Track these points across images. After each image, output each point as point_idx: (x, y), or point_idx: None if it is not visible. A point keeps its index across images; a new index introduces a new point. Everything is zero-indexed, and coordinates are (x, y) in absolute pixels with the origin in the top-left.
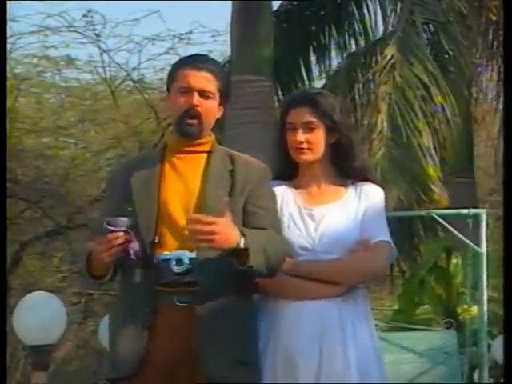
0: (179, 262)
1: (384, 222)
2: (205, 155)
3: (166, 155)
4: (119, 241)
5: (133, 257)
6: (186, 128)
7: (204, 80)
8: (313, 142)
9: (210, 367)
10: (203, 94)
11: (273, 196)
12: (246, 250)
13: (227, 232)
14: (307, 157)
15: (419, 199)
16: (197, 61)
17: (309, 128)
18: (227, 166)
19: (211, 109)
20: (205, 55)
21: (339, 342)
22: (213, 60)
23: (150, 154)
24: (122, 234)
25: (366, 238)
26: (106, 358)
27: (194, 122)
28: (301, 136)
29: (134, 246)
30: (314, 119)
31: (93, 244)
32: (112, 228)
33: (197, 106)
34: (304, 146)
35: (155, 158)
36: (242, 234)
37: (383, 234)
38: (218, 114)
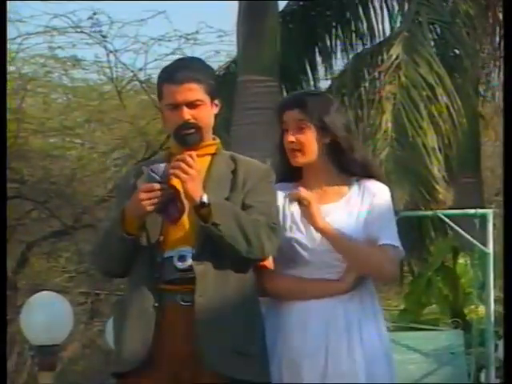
0: (182, 258)
1: (392, 222)
2: (209, 157)
3: (171, 160)
4: (165, 196)
5: (167, 219)
6: (186, 138)
7: (188, 92)
8: (303, 143)
9: (211, 363)
10: (192, 104)
11: (272, 192)
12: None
13: (198, 182)
14: (299, 160)
15: (424, 199)
16: (176, 73)
17: (298, 128)
18: (230, 166)
19: (205, 114)
20: (182, 61)
21: (345, 341)
22: (190, 61)
23: (156, 159)
24: (171, 190)
25: (373, 239)
26: (111, 354)
27: (192, 131)
28: (291, 136)
29: (173, 208)
30: (302, 118)
31: (135, 193)
32: (157, 178)
33: (189, 119)
34: (295, 146)
35: (161, 162)
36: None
37: (392, 238)
38: (216, 110)
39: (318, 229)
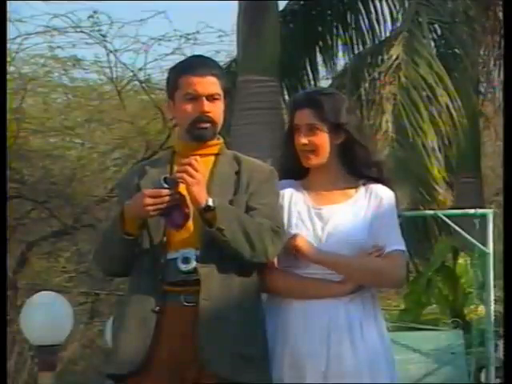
0: (186, 260)
1: (397, 227)
2: (212, 157)
3: (174, 159)
4: (171, 202)
5: (171, 225)
6: (200, 132)
7: (210, 84)
8: (316, 145)
9: (214, 365)
10: (211, 97)
11: (276, 194)
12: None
13: (204, 186)
14: (313, 162)
15: (423, 199)
16: (198, 66)
17: (311, 130)
18: (233, 167)
19: (220, 110)
20: (201, 57)
21: (347, 342)
22: (209, 59)
23: (159, 158)
24: (177, 196)
25: (380, 244)
26: (108, 355)
27: (207, 125)
28: (304, 139)
29: (178, 214)
30: (316, 121)
31: (139, 196)
32: (166, 186)
33: (208, 112)
34: (307, 148)
35: (164, 161)
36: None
37: (399, 243)
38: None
39: (314, 262)
